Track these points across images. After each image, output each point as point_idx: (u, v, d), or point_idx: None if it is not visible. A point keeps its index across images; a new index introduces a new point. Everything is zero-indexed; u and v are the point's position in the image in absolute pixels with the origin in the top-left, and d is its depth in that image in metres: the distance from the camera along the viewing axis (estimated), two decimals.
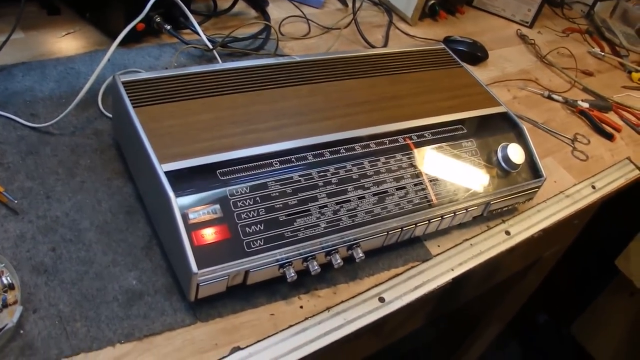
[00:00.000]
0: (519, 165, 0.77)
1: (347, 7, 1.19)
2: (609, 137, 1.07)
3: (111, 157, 0.74)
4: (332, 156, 0.67)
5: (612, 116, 1.14)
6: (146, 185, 0.67)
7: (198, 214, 0.58)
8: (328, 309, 0.65)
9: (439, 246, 0.76)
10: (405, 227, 0.69)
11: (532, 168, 0.80)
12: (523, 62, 1.22)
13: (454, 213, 0.73)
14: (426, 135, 0.75)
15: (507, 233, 0.81)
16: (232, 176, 0.62)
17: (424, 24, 1.24)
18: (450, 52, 0.92)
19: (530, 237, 0.83)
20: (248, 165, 0.63)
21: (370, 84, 0.80)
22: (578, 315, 1.82)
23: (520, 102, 1.09)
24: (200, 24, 0.93)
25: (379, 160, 0.69)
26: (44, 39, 0.88)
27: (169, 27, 0.90)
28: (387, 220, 0.67)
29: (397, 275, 0.71)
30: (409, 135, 0.73)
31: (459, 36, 1.17)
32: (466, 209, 0.74)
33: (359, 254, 0.66)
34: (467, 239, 0.78)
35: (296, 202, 0.63)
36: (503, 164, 0.77)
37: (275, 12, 1.10)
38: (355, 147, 0.69)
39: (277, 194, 0.62)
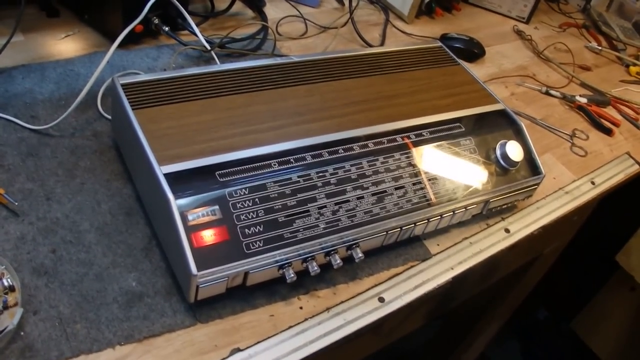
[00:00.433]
0: (518, 162, 0.77)
1: (343, 6, 1.19)
2: (608, 132, 1.07)
3: (111, 159, 0.74)
4: (331, 156, 0.68)
5: (610, 111, 1.14)
6: (145, 186, 0.67)
7: (197, 216, 0.58)
8: (328, 309, 0.65)
9: (438, 245, 0.76)
10: (404, 226, 0.69)
11: (531, 165, 0.80)
12: (520, 58, 1.22)
13: (453, 212, 0.73)
14: (424, 134, 0.75)
15: (507, 231, 0.81)
16: (231, 177, 0.62)
17: (420, 21, 1.24)
18: (447, 49, 0.92)
19: (530, 234, 0.83)
20: (247, 166, 0.63)
21: (368, 83, 0.80)
22: (578, 311, 1.82)
23: (518, 99, 1.09)
24: (198, 25, 0.93)
25: (377, 159, 0.70)
26: (43, 41, 0.89)
27: (167, 28, 0.91)
28: (386, 220, 0.67)
29: (397, 274, 0.71)
30: (407, 134, 0.74)
31: (456, 33, 1.17)
32: (465, 208, 0.74)
33: (358, 254, 0.66)
34: (466, 238, 0.78)
35: (295, 202, 0.63)
36: (502, 162, 0.77)
37: (272, 12, 1.10)
38: (354, 147, 0.69)
39: (276, 194, 0.62)
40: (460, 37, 1.15)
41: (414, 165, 0.71)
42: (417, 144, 0.73)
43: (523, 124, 0.82)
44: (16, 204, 0.65)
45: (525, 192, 0.81)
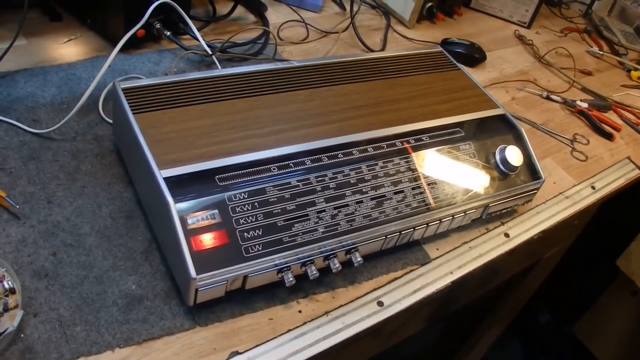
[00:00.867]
0: (517, 167, 0.78)
1: (345, 11, 1.20)
2: (609, 136, 1.07)
3: (111, 162, 0.74)
4: (330, 161, 0.68)
5: (611, 115, 1.14)
6: (146, 190, 0.67)
7: (197, 219, 0.59)
8: (327, 313, 0.65)
9: (437, 249, 0.76)
10: (403, 230, 0.69)
11: (531, 170, 0.81)
12: (521, 63, 1.22)
13: (453, 216, 0.73)
14: (424, 138, 0.75)
15: (507, 235, 0.82)
16: (230, 181, 0.62)
17: (421, 26, 1.24)
18: (448, 54, 0.93)
19: (530, 239, 0.83)
20: (246, 170, 0.64)
21: (368, 88, 0.81)
22: (580, 315, 1.82)
23: (519, 103, 1.09)
24: (199, 29, 0.94)
25: (376, 164, 0.70)
26: (45, 46, 0.89)
27: (168, 33, 0.91)
28: (386, 224, 0.67)
29: (396, 279, 0.71)
30: (406, 139, 0.74)
31: (457, 38, 1.17)
32: (465, 212, 0.75)
33: (357, 258, 0.66)
34: (466, 242, 0.79)
35: (294, 207, 0.63)
36: (501, 166, 0.78)
37: (274, 16, 1.11)
38: (353, 152, 0.70)
39: (276, 199, 0.63)
40: (462, 42, 1.15)
41: (413, 170, 0.72)
42: (416, 148, 0.73)
43: (523, 128, 0.82)
44: (17, 207, 0.65)
45: (525, 196, 0.81)
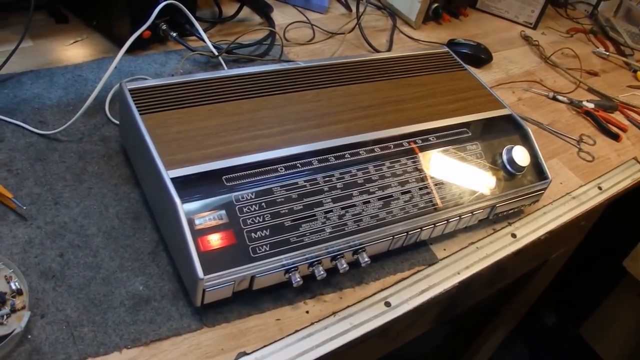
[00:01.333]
0: (524, 167, 0.77)
1: (351, 12, 1.20)
2: (615, 137, 1.07)
3: (118, 163, 0.74)
4: (337, 161, 0.68)
5: (617, 116, 1.14)
6: (153, 191, 0.67)
7: (204, 220, 0.59)
8: (334, 313, 0.65)
9: (444, 250, 0.76)
10: (410, 231, 0.69)
11: (538, 170, 0.80)
12: (527, 63, 1.22)
13: (460, 216, 0.73)
14: (431, 139, 0.75)
15: (514, 236, 0.81)
16: (237, 182, 0.62)
17: (427, 27, 1.24)
18: (454, 55, 0.93)
19: (536, 239, 0.83)
20: (254, 171, 0.64)
21: (375, 88, 0.81)
22: (586, 317, 1.81)
23: (525, 104, 1.09)
24: (205, 30, 0.94)
25: (383, 164, 0.70)
26: (52, 47, 0.89)
27: (174, 34, 0.91)
28: (393, 225, 0.67)
29: (403, 279, 0.71)
30: (413, 139, 0.74)
31: (463, 39, 1.17)
32: (472, 212, 0.74)
33: (364, 258, 0.66)
34: (473, 242, 0.78)
35: (301, 207, 0.63)
36: (508, 167, 0.77)
37: (280, 17, 1.11)
38: (360, 152, 0.70)
39: (283, 199, 0.63)
40: (468, 43, 1.15)
41: (420, 170, 0.71)
42: (423, 148, 0.73)
43: (530, 129, 0.82)
44: (24, 208, 0.66)
45: (531, 197, 0.81)
